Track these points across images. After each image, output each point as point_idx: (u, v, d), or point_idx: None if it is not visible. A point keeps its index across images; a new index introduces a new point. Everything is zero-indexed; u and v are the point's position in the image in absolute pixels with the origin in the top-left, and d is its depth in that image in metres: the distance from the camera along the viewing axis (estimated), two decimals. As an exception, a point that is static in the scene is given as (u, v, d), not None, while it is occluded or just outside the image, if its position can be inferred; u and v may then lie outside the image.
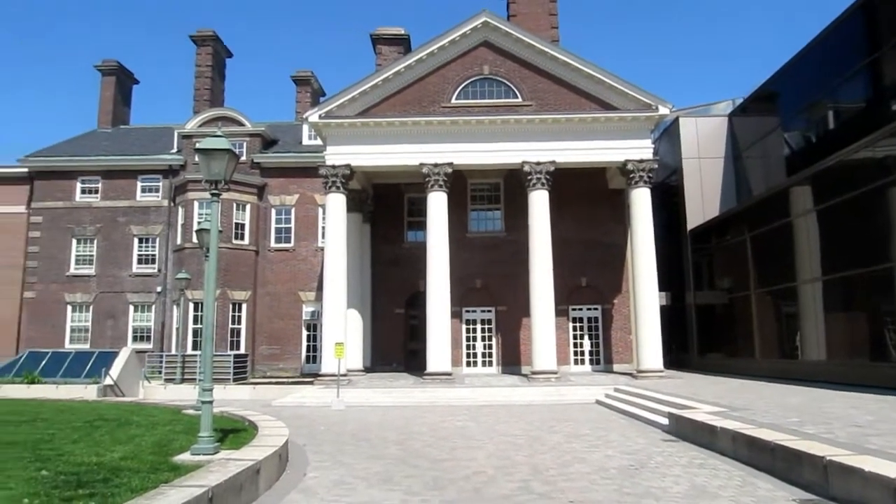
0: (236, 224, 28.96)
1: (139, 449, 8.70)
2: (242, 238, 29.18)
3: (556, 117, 22.74)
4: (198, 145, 9.39)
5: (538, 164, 22.65)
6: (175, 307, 28.71)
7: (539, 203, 22.67)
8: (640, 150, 22.74)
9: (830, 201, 17.68)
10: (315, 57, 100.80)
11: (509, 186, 26.64)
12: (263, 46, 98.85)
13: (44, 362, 24.94)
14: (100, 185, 31.19)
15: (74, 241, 30.81)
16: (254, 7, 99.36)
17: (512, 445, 11.12)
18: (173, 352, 26.88)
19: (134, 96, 38.78)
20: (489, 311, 26.82)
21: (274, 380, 26.65)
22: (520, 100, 23.33)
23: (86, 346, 29.00)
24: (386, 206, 27.73)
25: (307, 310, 29.36)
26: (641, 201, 22.56)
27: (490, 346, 26.68)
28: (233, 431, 10.32)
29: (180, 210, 29.26)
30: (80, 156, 31.53)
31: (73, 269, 30.58)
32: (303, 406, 18.78)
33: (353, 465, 9.50)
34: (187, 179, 28.89)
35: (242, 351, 28.23)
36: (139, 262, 30.59)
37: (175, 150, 31.69)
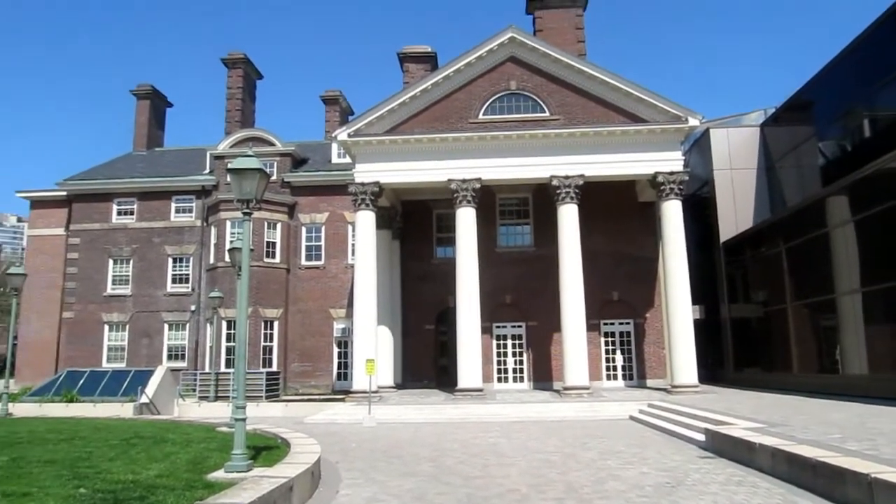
0: (267, 242, 29.29)
1: (174, 466, 8.76)
2: (273, 256, 29.48)
3: (584, 131, 22.64)
4: (229, 165, 9.54)
5: (567, 178, 22.56)
6: (208, 325, 29.06)
7: (568, 217, 22.55)
8: (670, 162, 22.53)
9: (868, 211, 17.25)
10: (343, 76, 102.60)
11: (538, 201, 26.54)
12: (293, 67, 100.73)
13: (82, 381, 25.40)
14: (135, 206, 31.87)
15: (111, 262, 31.46)
16: (283, 29, 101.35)
17: (545, 462, 10.98)
18: (207, 370, 27.17)
19: (167, 118, 39.63)
20: (519, 326, 26.67)
21: (306, 397, 26.78)
22: (547, 114, 23.31)
23: (122, 365, 29.48)
24: (415, 222, 27.85)
25: (338, 327, 29.49)
26: (672, 214, 22.31)
27: (521, 362, 26.49)
28: (266, 449, 10.36)
29: (213, 230, 29.72)
30: (115, 178, 32.30)
31: (109, 290, 31.21)
32: (334, 423, 18.82)
33: (385, 482, 9.46)
34: (219, 199, 29.37)
35: (274, 368, 28.45)
36: (173, 281, 31.11)
37: (207, 170, 32.28)
